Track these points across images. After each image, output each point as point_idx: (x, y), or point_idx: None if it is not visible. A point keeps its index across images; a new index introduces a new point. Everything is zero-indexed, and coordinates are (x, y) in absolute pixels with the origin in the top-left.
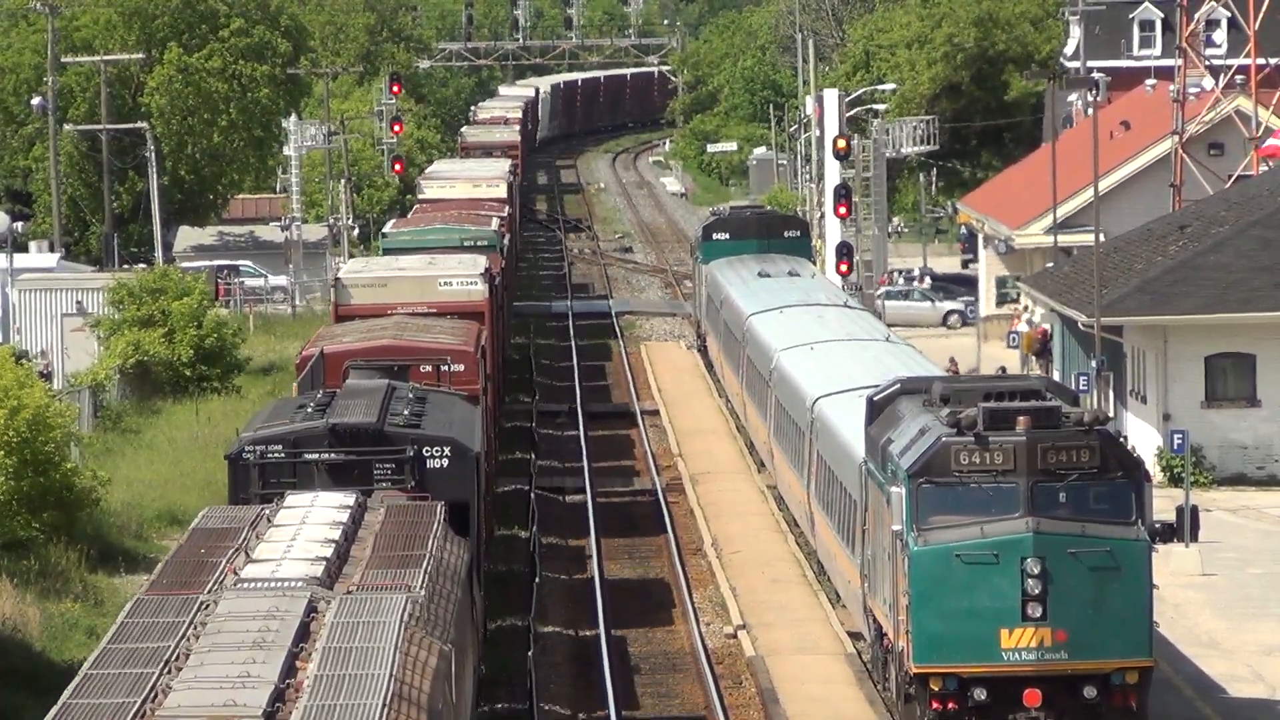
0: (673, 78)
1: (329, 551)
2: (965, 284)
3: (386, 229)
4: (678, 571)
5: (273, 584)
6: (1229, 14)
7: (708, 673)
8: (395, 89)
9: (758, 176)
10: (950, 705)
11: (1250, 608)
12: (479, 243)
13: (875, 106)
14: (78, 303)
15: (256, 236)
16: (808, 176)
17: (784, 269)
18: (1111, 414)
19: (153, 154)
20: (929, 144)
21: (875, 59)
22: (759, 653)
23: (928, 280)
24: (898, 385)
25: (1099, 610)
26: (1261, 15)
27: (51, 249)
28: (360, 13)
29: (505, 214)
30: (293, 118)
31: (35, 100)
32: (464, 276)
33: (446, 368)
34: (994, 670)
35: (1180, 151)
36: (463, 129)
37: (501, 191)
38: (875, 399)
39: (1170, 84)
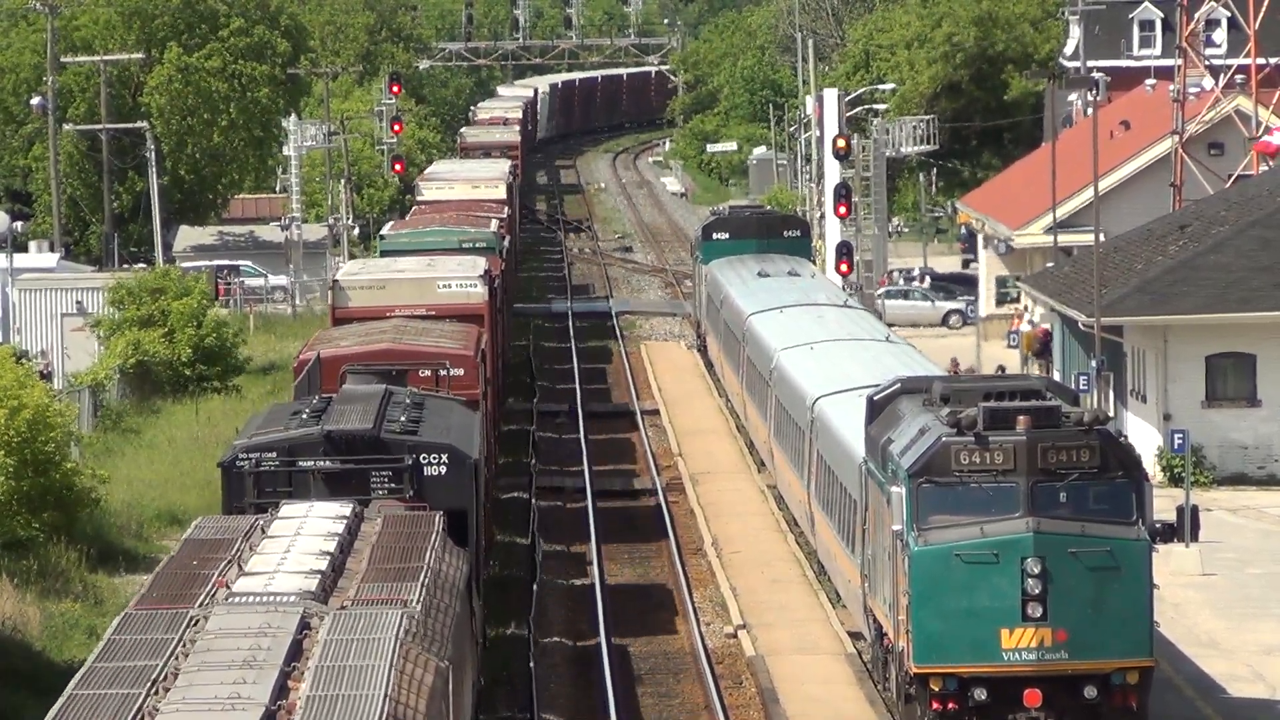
0: (672, 77)
1: (324, 564)
2: (965, 284)
3: (384, 231)
4: (678, 571)
5: (265, 599)
6: (1229, 14)
7: (708, 672)
8: (395, 89)
9: (758, 176)
10: (950, 705)
11: (1250, 608)
12: (478, 244)
13: (875, 106)
14: (78, 302)
15: (256, 236)
16: (808, 176)
17: (784, 269)
18: (1111, 414)
19: (153, 154)
20: (929, 144)
21: (875, 59)
22: (759, 652)
23: (928, 280)
24: (898, 385)
25: (1099, 610)
26: (1261, 15)
27: (51, 249)
28: (360, 13)
29: (505, 215)
30: (293, 118)
31: (35, 100)
32: (463, 279)
33: (445, 372)
34: (994, 670)
35: (1180, 151)
36: (462, 129)
37: (501, 193)
38: (875, 399)
39: (1170, 84)
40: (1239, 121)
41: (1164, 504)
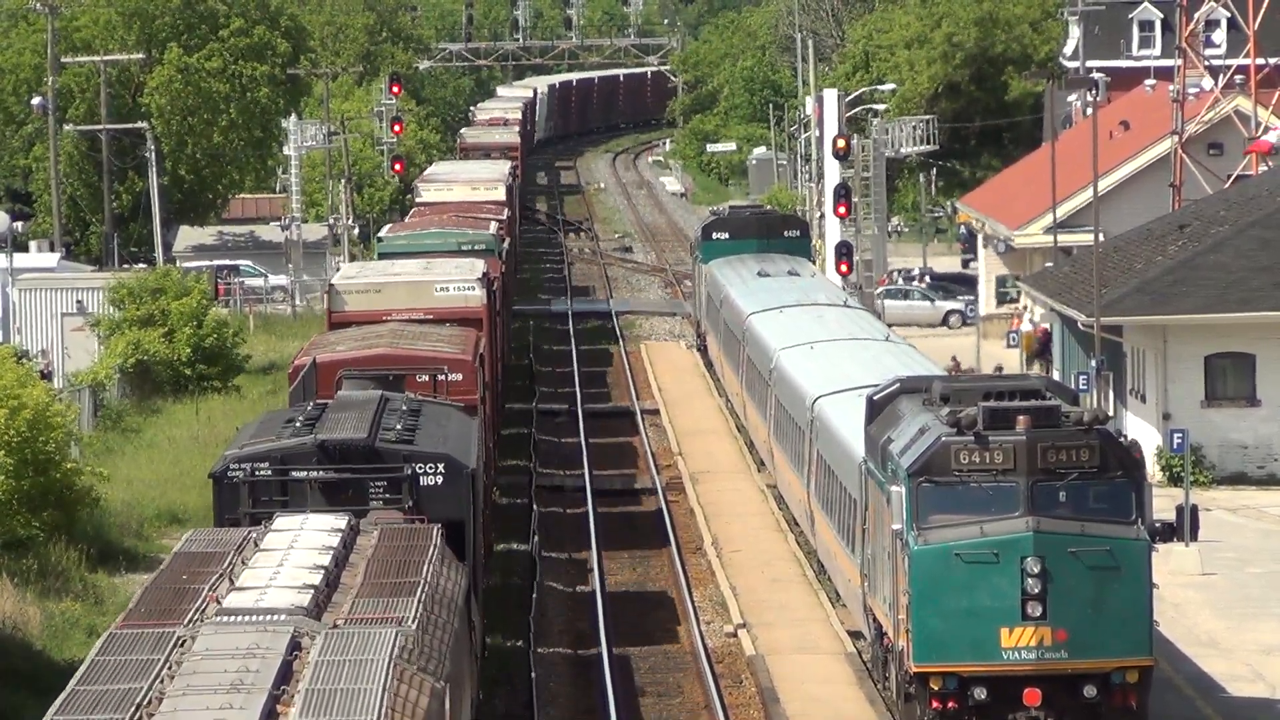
0: (672, 78)
1: (317, 579)
2: (965, 284)
3: (383, 233)
4: (678, 571)
5: (255, 616)
6: (1229, 14)
7: (708, 672)
8: (395, 89)
9: (757, 176)
10: (950, 704)
11: (1250, 607)
12: (477, 247)
13: (875, 106)
14: (78, 302)
15: (256, 236)
16: (807, 176)
17: (784, 269)
18: (1111, 414)
19: (153, 154)
20: (929, 144)
21: (875, 59)
22: (759, 652)
23: (927, 280)
24: (897, 385)
25: (1099, 609)
26: (1261, 15)
27: (52, 249)
28: (360, 13)
29: (504, 217)
30: (293, 118)
31: (35, 100)
32: (461, 282)
33: (444, 377)
34: (994, 669)
35: (1180, 151)
36: (461, 130)
37: (500, 194)
38: (875, 398)
39: (1170, 84)
40: (1238, 122)
41: (1164, 504)
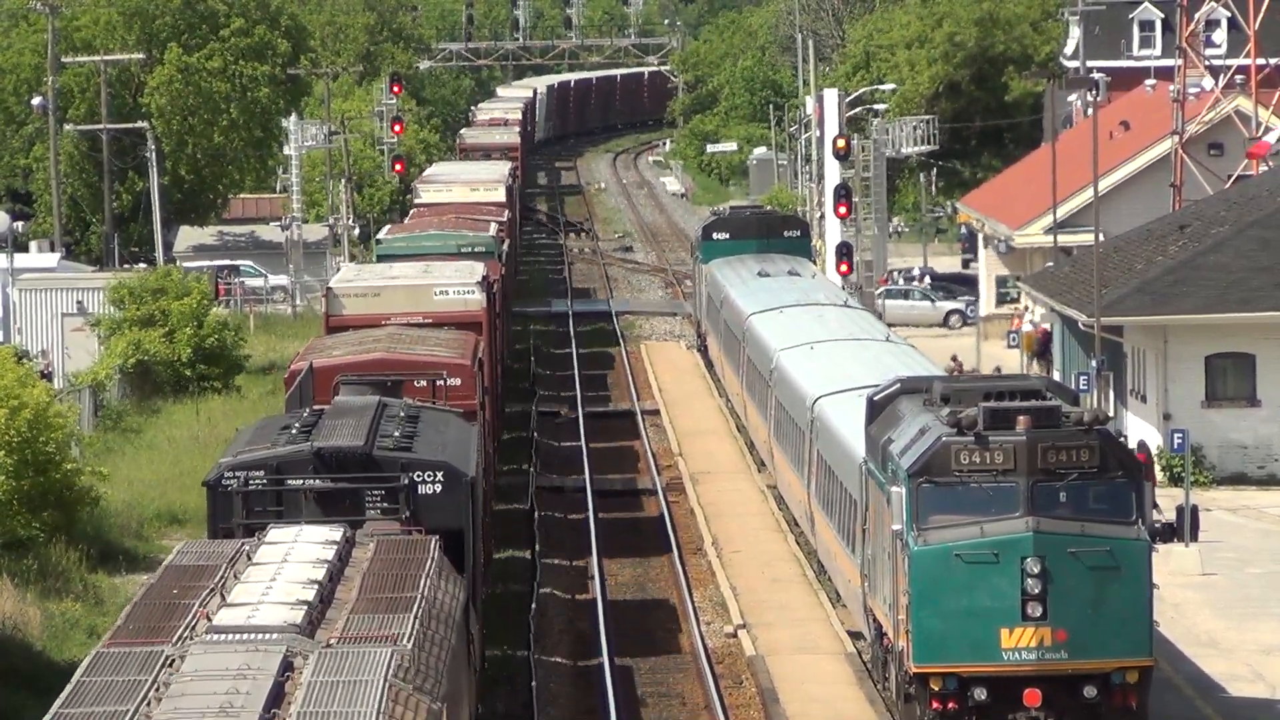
0: (672, 78)
1: (311, 594)
2: (965, 284)
3: (381, 234)
4: (678, 570)
5: (246, 634)
6: (1229, 14)
7: (708, 672)
8: (395, 89)
9: (758, 176)
10: (950, 705)
11: (1250, 607)
12: (476, 249)
13: (875, 106)
14: (78, 302)
15: (257, 236)
16: (808, 176)
17: (784, 269)
18: (1112, 414)
19: (153, 154)
20: (929, 144)
21: (875, 59)
22: (759, 652)
23: (927, 280)
24: (898, 385)
25: (1099, 610)
26: (1261, 15)
27: (52, 248)
28: (360, 13)
29: (504, 218)
30: (293, 118)
31: (35, 100)
32: (461, 285)
33: (442, 382)
34: (994, 670)
35: (1180, 151)
36: (461, 131)
37: (500, 195)
38: (875, 398)
39: (1170, 84)
40: (1239, 122)
41: (1164, 504)
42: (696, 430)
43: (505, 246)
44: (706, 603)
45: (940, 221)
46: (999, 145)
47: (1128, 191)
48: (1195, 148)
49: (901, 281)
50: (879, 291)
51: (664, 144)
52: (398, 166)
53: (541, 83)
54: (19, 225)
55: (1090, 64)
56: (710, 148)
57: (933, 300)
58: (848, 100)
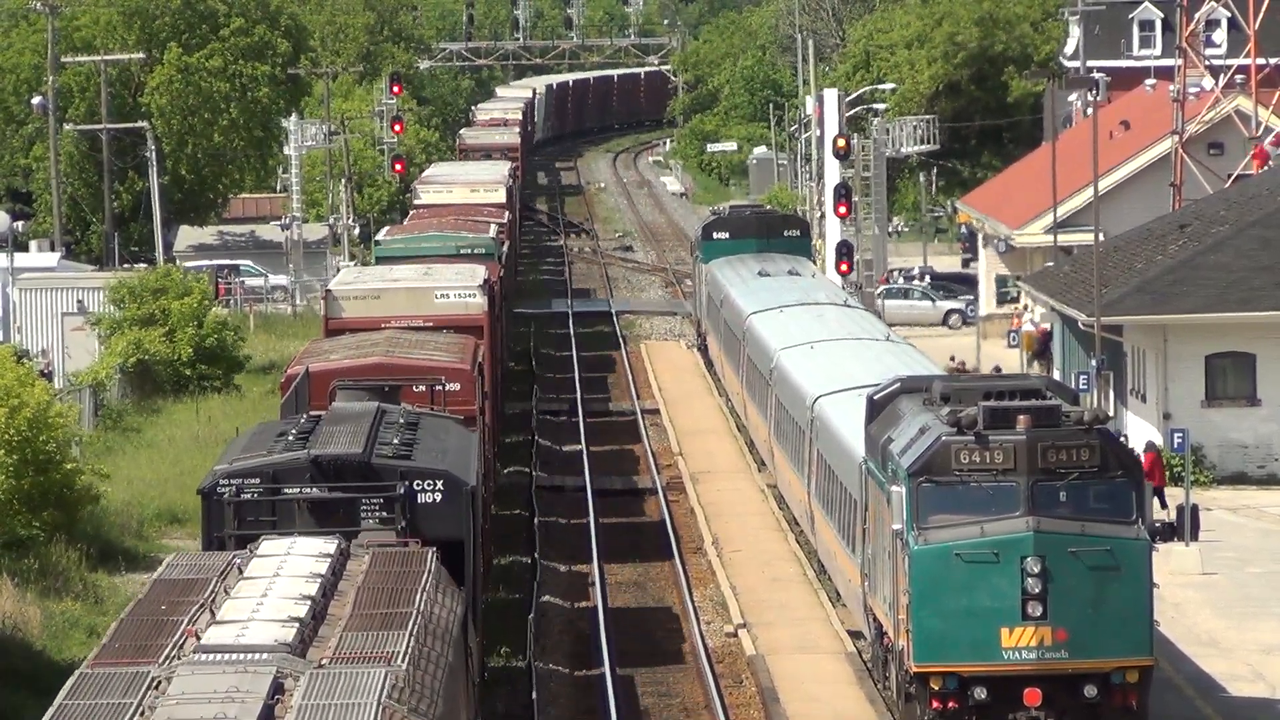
0: (672, 77)
1: (303, 610)
2: (965, 283)
3: (380, 236)
4: (678, 570)
5: (235, 653)
6: (1229, 14)
7: (708, 671)
8: (395, 89)
9: (758, 176)
10: (950, 704)
11: (1250, 607)
12: (476, 250)
13: (875, 106)
14: (78, 302)
15: (257, 236)
16: (808, 176)
17: (784, 268)
18: (1111, 413)
19: (153, 154)
20: (929, 144)
21: (875, 59)
22: (759, 652)
23: (928, 279)
24: (898, 384)
25: (1099, 609)
26: (1261, 15)
27: (52, 248)
28: (360, 13)
29: (504, 220)
30: (293, 117)
31: (35, 100)
32: (461, 288)
33: (441, 387)
34: (994, 669)
35: (1180, 151)
36: (461, 131)
37: (500, 196)
38: (875, 398)
39: (1170, 84)
40: (1239, 121)
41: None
42: (696, 430)
43: (505, 248)
44: (707, 602)
45: (940, 221)
46: (999, 145)
47: (1128, 191)
48: (1195, 147)
49: (901, 281)
50: (879, 291)
51: (664, 144)
52: (398, 166)
53: (541, 83)
54: (19, 225)
55: (1090, 64)
56: (710, 147)
57: (933, 300)
58: (848, 100)
